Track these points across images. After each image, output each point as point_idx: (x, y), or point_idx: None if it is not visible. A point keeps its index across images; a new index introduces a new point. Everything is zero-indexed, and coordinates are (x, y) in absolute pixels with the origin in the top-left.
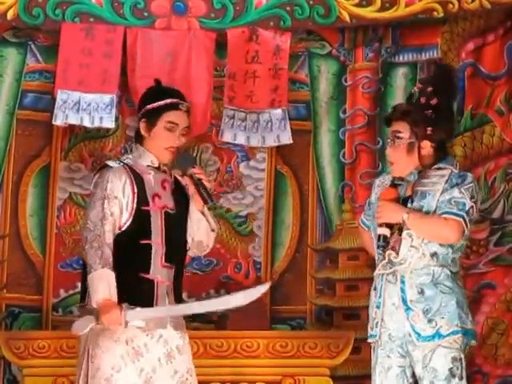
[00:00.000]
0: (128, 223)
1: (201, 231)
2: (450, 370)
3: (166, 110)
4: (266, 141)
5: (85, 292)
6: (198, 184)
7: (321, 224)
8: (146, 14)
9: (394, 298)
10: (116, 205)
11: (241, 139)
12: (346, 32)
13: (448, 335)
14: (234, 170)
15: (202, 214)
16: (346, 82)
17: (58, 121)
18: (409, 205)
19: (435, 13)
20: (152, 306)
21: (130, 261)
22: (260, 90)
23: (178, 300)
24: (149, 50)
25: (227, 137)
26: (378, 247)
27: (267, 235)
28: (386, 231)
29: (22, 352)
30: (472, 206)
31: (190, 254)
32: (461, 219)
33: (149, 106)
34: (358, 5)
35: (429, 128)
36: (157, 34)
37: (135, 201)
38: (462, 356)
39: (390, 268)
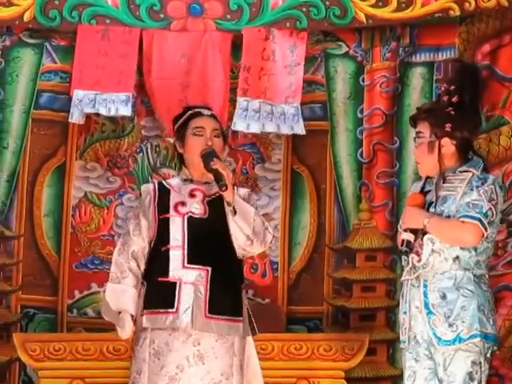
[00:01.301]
0: (155, 233)
1: (231, 223)
2: (470, 373)
3: (190, 119)
4: (281, 129)
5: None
6: (215, 173)
7: (338, 223)
8: (162, 15)
9: (416, 302)
10: (138, 223)
11: (254, 128)
12: (362, 32)
13: (468, 339)
14: (249, 172)
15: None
16: (363, 81)
17: (74, 118)
18: (431, 210)
19: (451, 12)
20: (173, 306)
21: (152, 268)
22: (274, 87)
23: (215, 303)
24: (165, 52)
25: (240, 126)
26: (402, 252)
27: (284, 235)
28: (409, 236)
29: (38, 354)
30: (490, 208)
31: (238, 254)
32: (478, 222)
33: (176, 125)
34: (374, 5)
35: (448, 125)
36: (173, 36)
37: (156, 211)
38: (482, 360)
39: (414, 273)
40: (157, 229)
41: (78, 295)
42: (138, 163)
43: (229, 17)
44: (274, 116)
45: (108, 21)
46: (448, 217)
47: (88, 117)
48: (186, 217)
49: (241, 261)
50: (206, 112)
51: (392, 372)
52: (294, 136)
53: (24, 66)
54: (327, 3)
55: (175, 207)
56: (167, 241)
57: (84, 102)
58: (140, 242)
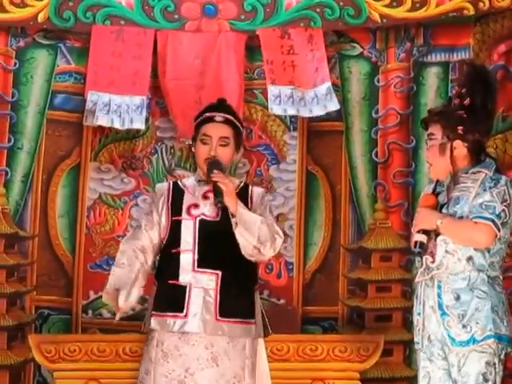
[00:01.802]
0: (167, 235)
1: (237, 232)
2: (484, 374)
3: (202, 124)
4: (314, 111)
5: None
6: (213, 187)
7: (353, 223)
8: (176, 16)
9: (431, 301)
10: (150, 220)
11: (292, 111)
12: (377, 33)
13: (482, 340)
14: (264, 173)
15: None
16: (378, 82)
17: (89, 121)
18: (444, 211)
19: (466, 11)
20: (182, 310)
21: (163, 270)
22: (301, 75)
23: (227, 306)
24: (179, 53)
25: (277, 110)
26: (415, 254)
27: (299, 235)
28: (422, 237)
29: (53, 356)
30: (503, 210)
31: (247, 255)
32: (490, 223)
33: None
34: (388, 5)
35: (459, 127)
36: (187, 37)
37: (169, 213)
38: (496, 361)
39: (428, 274)
40: (169, 230)
41: (92, 296)
42: (153, 164)
43: (243, 17)
44: (307, 101)
45: (122, 22)
46: (461, 217)
47: None
48: (197, 219)
49: (254, 262)
50: (218, 118)
51: (408, 373)
52: (309, 137)
53: (38, 67)
54: (341, 3)
55: (188, 209)
56: (178, 243)
57: (98, 105)
58: (151, 238)
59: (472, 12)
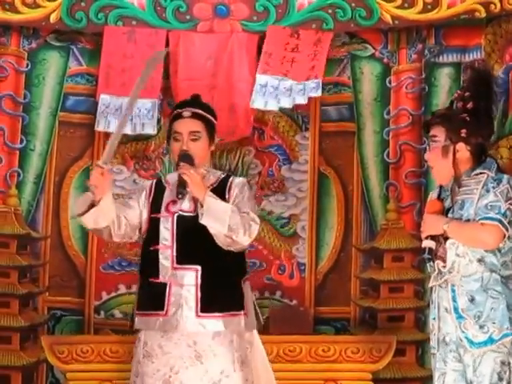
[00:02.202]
0: (147, 231)
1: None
2: (499, 373)
3: (173, 122)
4: (297, 100)
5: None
6: (178, 179)
7: (365, 224)
8: (188, 17)
9: (445, 303)
10: (130, 200)
11: (272, 105)
12: (388, 34)
13: (500, 339)
14: (275, 173)
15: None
16: (389, 83)
17: (101, 127)
18: (449, 215)
19: (477, 13)
20: (163, 308)
21: (144, 268)
22: (297, 70)
23: (209, 300)
24: (191, 53)
25: (258, 104)
26: (426, 260)
27: (311, 236)
28: (430, 243)
29: (66, 356)
30: (509, 208)
31: (219, 243)
32: (497, 223)
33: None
34: (399, 6)
35: (463, 130)
36: (199, 37)
37: (149, 210)
38: (511, 360)
39: (441, 278)
40: (148, 227)
41: (105, 297)
42: (165, 165)
43: (255, 18)
44: (293, 91)
45: (134, 22)
46: (467, 221)
47: None
48: (175, 216)
49: (240, 254)
50: (186, 113)
51: (421, 373)
52: (321, 137)
53: (50, 69)
54: (353, 4)
55: (166, 206)
56: (157, 241)
57: (110, 109)
58: (134, 210)
59: (483, 14)
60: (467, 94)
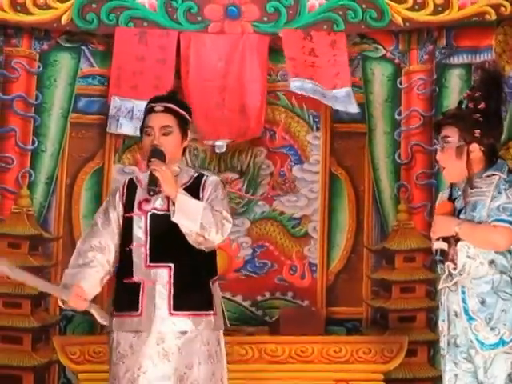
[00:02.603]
0: (122, 232)
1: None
2: (509, 375)
3: (145, 117)
4: (336, 106)
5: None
6: (149, 175)
7: (377, 225)
8: (199, 18)
9: (455, 306)
10: (107, 218)
11: (311, 94)
12: (399, 35)
13: (511, 340)
14: (287, 174)
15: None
16: (400, 84)
17: (113, 129)
18: (462, 216)
19: (488, 16)
20: (137, 309)
21: (119, 268)
22: (321, 76)
23: (181, 298)
24: (202, 54)
25: (297, 88)
26: (437, 262)
27: (323, 236)
28: (442, 245)
29: (78, 357)
30: None
31: (190, 242)
32: (509, 225)
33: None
34: (410, 8)
35: (477, 131)
36: (210, 39)
37: (122, 210)
38: None
39: (451, 280)
40: (122, 228)
41: None
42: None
43: (266, 19)
44: (327, 96)
45: (145, 24)
46: (479, 222)
47: None
48: (149, 214)
49: (210, 254)
50: (158, 108)
51: (432, 373)
52: (332, 138)
53: (62, 70)
54: (364, 6)
55: (139, 205)
56: (130, 240)
57: (121, 111)
58: (109, 236)
59: (493, 17)
60: (478, 94)
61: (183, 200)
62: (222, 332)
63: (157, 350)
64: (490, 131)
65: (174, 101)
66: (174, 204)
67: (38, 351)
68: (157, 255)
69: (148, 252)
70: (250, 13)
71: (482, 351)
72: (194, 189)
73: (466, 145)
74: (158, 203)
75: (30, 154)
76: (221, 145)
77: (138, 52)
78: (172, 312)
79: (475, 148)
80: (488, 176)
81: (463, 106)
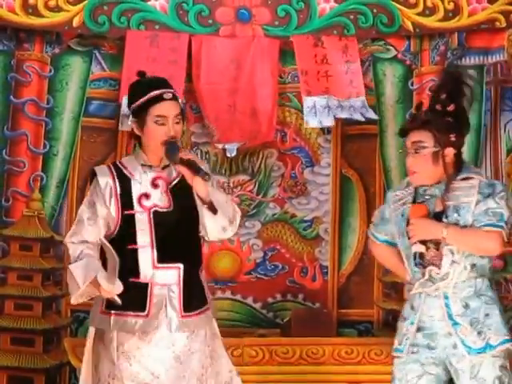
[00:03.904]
0: (117, 228)
1: (207, 217)
2: (499, 378)
3: (151, 104)
4: (354, 116)
5: None
6: (191, 164)
7: None
8: (210, 21)
9: (433, 310)
10: (94, 212)
11: (327, 122)
12: (411, 36)
13: (498, 345)
14: (298, 176)
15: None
16: (412, 85)
17: (125, 127)
18: (444, 220)
19: (497, 23)
20: (144, 309)
21: (123, 267)
22: (335, 86)
23: (191, 299)
24: (213, 57)
25: (313, 123)
26: (416, 265)
27: (334, 239)
28: (421, 248)
29: None
30: (509, 216)
31: (211, 238)
32: (501, 230)
33: (133, 105)
34: (421, 14)
35: (452, 135)
36: (221, 42)
37: (119, 206)
38: (507, 364)
39: (431, 285)
40: (120, 224)
41: None
42: None
43: (277, 23)
44: (344, 108)
45: (157, 26)
46: (465, 226)
47: None
48: (151, 211)
49: (200, 244)
50: (167, 95)
51: None
52: (343, 140)
53: (73, 74)
54: (374, 11)
55: (139, 201)
56: (133, 239)
57: None
58: (95, 233)
59: (503, 24)
60: (444, 96)
61: (214, 193)
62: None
63: (168, 353)
64: (461, 133)
65: (171, 87)
66: (203, 202)
67: (50, 353)
68: (165, 256)
69: (156, 252)
70: (261, 16)
71: (470, 356)
72: (186, 184)
73: (442, 149)
74: (158, 199)
75: (41, 157)
76: (232, 148)
77: (149, 54)
78: (183, 314)
79: (450, 152)
80: (464, 179)
81: (425, 109)
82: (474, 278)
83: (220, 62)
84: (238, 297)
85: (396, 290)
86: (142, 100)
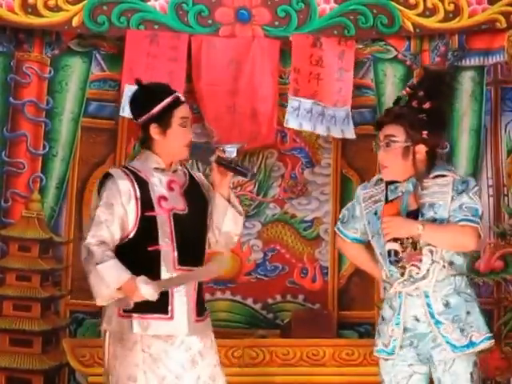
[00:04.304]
0: (134, 230)
1: (228, 219)
2: (471, 374)
3: (176, 106)
4: (332, 131)
5: None
6: (231, 163)
7: None
8: (210, 21)
9: (415, 310)
10: (112, 213)
11: (307, 127)
12: (411, 36)
13: (481, 342)
14: (298, 176)
15: (228, 201)
16: None
17: (126, 112)
18: (420, 218)
19: (498, 24)
20: (167, 312)
21: (140, 269)
22: (323, 91)
23: (201, 304)
24: (213, 58)
25: (293, 124)
26: (391, 263)
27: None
28: (395, 246)
29: (88, 360)
30: (483, 211)
31: (218, 248)
32: (477, 225)
33: (156, 109)
34: (421, 14)
35: (424, 132)
36: (221, 42)
37: (139, 207)
38: (478, 361)
39: (411, 284)
40: (139, 226)
41: None
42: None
43: (277, 23)
44: (325, 118)
45: (156, 26)
46: (441, 222)
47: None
48: (171, 214)
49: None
50: (183, 98)
51: None
52: (344, 140)
53: (73, 75)
54: (374, 11)
55: (158, 202)
56: (154, 240)
57: None
58: (112, 233)
59: (504, 24)
60: (421, 93)
61: (233, 197)
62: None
63: (187, 356)
64: (437, 131)
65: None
66: (228, 200)
67: (48, 354)
68: (185, 258)
69: (176, 254)
70: (261, 16)
71: (455, 353)
72: (196, 185)
73: (413, 145)
74: (175, 202)
75: (41, 158)
76: (231, 150)
77: (149, 51)
78: (197, 318)
79: (421, 149)
80: (437, 177)
81: (402, 103)
82: (452, 276)
83: (220, 62)
84: (238, 298)
85: None
86: (167, 102)
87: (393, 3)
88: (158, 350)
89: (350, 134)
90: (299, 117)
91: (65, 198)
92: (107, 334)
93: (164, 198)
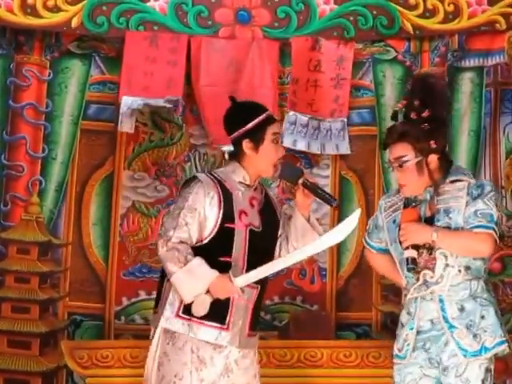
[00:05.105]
0: (209, 238)
1: (306, 238)
2: (483, 381)
3: (268, 123)
4: (326, 149)
5: (159, 299)
6: (316, 188)
7: None
8: (209, 22)
9: (430, 314)
10: (194, 217)
11: (301, 145)
12: (411, 37)
13: (494, 347)
14: None
15: (308, 221)
16: None
17: (124, 127)
18: (437, 223)
19: (498, 25)
20: (224, 322)
21: None
22: (321, 98)
23: (256, 319)
24: (213, 59)
25: (287, 142)
26: (409, 270)
27: None
28: (413, 253)
29: (86, 362)
30: (498, 216)
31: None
32: (492, 231)
33: (251, 125)
34: (421, 16)
35: (431, 141)
36: (220, 43)
37: (220, 217)
38: (492, 367)
39: (426, 289)
40: (215, 235)
41: (125, 302)
42: (186, 172)
43: (276, 25)
44: (321, 133)
45: (156, 27)
46: (456, 229)
47: (136, 126)
48: (248, 229)
49: None
50: (276, 117)
51: None
52: None
53: (72, 77)
54: (374, 13)
55: (239, 216)
56: (228, 252)
57: (133, 109)
58: (191, 236)
59: (503, 26)
60: (417, 102)
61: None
62: None
63: (225, 365)
64: (441, 137)
65: None
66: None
67: (46, 356)
68: None
69: (245, 268)
70: (261, 17)
71: (466, 359)
72: (270, 204)
73: (424, 158)
74: (253, 218)
75: (40, 161)
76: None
77: (148, 54)
78: (249, 332)
79: (433, 158)
80: (453, 182)
81: (400, 118)
82: (468, 281)
83: (219, 63)
84: None
85: (394, 293)
86: (261, 118)
87: (393, 4)
88: (206, 355)
89: (345, 149)
90: (294, 133)
91: (64, 200)
92: (160, 332)
93: (245, 212)
